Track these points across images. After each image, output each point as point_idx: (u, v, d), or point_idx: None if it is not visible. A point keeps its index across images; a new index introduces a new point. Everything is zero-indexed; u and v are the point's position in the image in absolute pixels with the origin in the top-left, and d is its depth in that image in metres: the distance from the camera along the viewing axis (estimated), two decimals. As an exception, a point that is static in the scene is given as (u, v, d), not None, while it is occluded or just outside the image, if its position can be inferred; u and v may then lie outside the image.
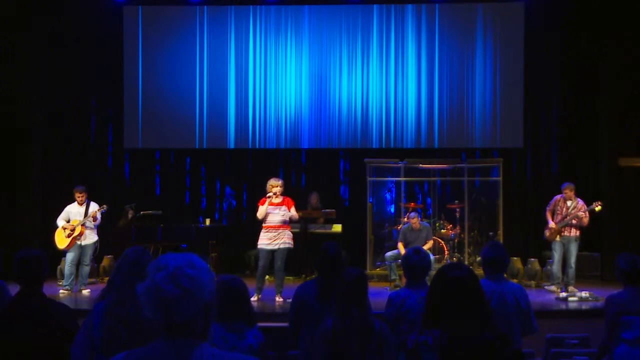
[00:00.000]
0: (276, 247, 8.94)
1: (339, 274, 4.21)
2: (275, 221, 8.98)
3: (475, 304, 2.71)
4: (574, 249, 9.84)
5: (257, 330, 3.83)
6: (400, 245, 10.46)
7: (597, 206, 9.86)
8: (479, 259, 11.37)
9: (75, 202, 9.86)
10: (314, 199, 12.12)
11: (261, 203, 9.09)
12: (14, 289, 4.08)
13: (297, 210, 11.53)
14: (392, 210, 12.56)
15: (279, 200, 9.02)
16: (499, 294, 4.59)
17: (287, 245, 9.00)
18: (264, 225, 9.06)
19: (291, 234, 9.13)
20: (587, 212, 9.81)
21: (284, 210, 9.02)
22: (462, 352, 2.63)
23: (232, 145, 12.96)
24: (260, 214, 9.04)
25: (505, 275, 8.68)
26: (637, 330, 4.60)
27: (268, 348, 3.91)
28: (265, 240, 8.99)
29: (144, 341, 3.35)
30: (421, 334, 2.71)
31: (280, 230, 8.97)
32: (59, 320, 3.81)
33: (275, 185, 9.03)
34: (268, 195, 9.02)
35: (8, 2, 11.89)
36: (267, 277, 9.76)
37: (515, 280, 10.06)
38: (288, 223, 9.12)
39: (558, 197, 10.07)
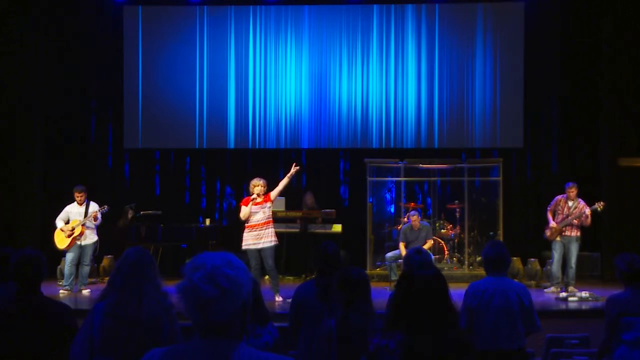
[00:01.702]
0: (261, 246, 8.93)
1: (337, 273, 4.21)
2: (258, 220, 8.97)
3: (440, 305, 2.69)
4: (574, 249, 9.84)
5: (271, 327, 3.84)
6: (401, 246, 10.45)
7: (599, 206, 9.87)
8: (479, 258, 11.37)
9: (75, 202, 9.86)
10: (309, 198, 12.11)
11: (244, 203, 9.09)
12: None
13: (295, 210, 11.61)
14: (392, 210, 12.56)
15: (261, 199, 9.01)
16: (502, 292, 4.60)
17: (272, 243, 8.99)
18: (247, 225, 9.06)
19: (274, 231, 9.10)
20: (590, 212, 9.81)
21: (267, 208, 9.02)
22: (425, 355, 2.62)
23: (232, 145, 12.96)
24: (243, 215, 9.04)
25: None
26: (637, 331, 4.60)
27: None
28: (250, 240, 8.99)
29: (143, 341, 3.37)
30: (383, 338, 2.68)
31: (265, 228, 8.96)
32: (58, 319, 3.81)
33: (256, 185, 9.02)
34: (252, 197, 9.01)
35: (8, 2, 11.89)
36: (266, 277, 9.75)
37: (515, 280, 10.05)
38: (271, 219, 9.11)
39: (559, 197, 10.07)
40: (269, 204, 9.05)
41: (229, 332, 2.00)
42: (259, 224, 8.97)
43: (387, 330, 2.71)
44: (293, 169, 9.20)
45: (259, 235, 8.95)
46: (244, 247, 9.05)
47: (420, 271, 2.78)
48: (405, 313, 2.68)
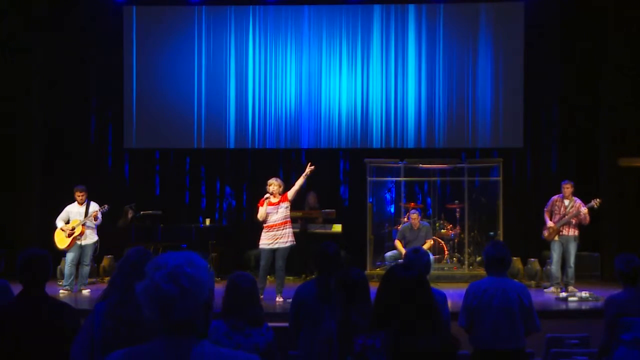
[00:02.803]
0: (277, 246, 8.91)
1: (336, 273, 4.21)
2: (276, 220, 8.94)
3: (423, 306, 2.70)
4: (572, 249, 9.86)
5: (265, 329, 3.82)
6: (397, 243, 10.45)
7: (596, 203, 9.88)
8: (479, 258, 11.38)
9: (75, 202, 9.87)
10: (311, 198, 12.11)
11: (260, 204, 9.08)
12: (17, 289, 4.07)
13: (295, 210, 11.60)
14: (392, 210, 12.56)
15: (277, 199, 8.99)
16: (502, 292, 4.61)
17: (288, 244, 8.96)
18: (265, 225, 9.01)
19: (292, 231, 9.08)
20: (587, 209, 9.83)
21: (284, 207, 8.98)
22: (409, 356, 2.62)
23: (232, 145, 12.96)
24: (260, 215, 9.00)
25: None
26: (636, 331, 4.61)
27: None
28: (266, 240, 8.95)
29: (144, 342, 3.37)
30: (368, 338, 2.69)
31: (282, 228, 8.94)
32: (62, 319, 3.81)
33: (270, 184, 9.01)
34: (266, 196, 9.01)
35: (8, 2, 11.90)
36: (268, 277, 9.75)
37: (515, 280, 10.04)
38: (289, 219, 9.07)
39: (555, 197, 10.09)
40: (285, 204, 8.99)
41: (191, 330, 2.00)
42: (276, 224, 8.94)
43: (372, 330, 2.72)
44: (308, 169, 9.18)
45: (275, 235, 8.92)
46: (260, 246, 9.05)
47: (401, 272, 2.79)
48: (388, 313, 2.69)
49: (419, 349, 2.64)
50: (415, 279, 2.76)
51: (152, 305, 1.98)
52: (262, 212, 8.98)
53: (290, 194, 9.06)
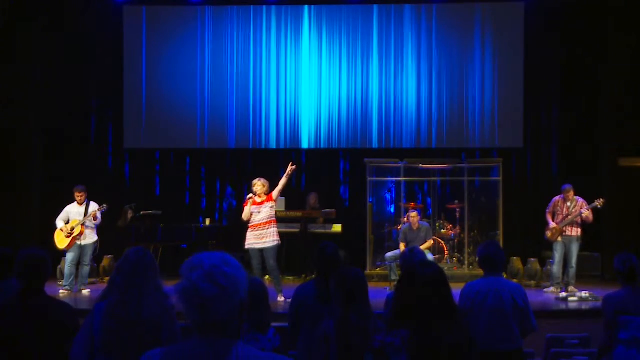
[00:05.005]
0: (264, 245, 8.96)
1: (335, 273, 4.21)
2: (260, 220, 8.99)
3: (443, 303, 2.71)
4: (575, 249, 9.86)
5: (272, 334, 3.83)
6: (402, 246, 10.46)
7: (599, 203, 9.87)
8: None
9: (75, 202, 9.87)
10: (312, 199, 12.12)
11: (245, 204, 9.15)
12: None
13: (296, 210, 11.62)
14: (392, 210, 12.56)
15: (261, 199, 9.03)
16: (495, 292, 4.58)
17: (274, 243, 9.01)
18: (249, 225, 9.08)
19: (277, 230, 9.11)
20: (590, 210, 9.83)
21: (268, 207, 9.02)
22: (430, 353, 2.63)
23: (232, 145, 12.97)
24: (245, 215, 9.09)
25: (505, 275, 8.66)
26: (633, 330, 4.60)
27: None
28: (253, 240, 9.02)
29: (144, 341, 3.37)
30: (388, 335, 2.70)
31: (266, 228, 8.98)
32: (60, 319, 3.81)
33: (254, 185, 9.08)
34: (249, 196, 9.07)
35: (8, 2, 11.90)
36: (266, 277, 9.75)
37: (515, 280, 10.04)
38: (274, 218, 9.11)
39: (557, 198, 10.09)
40: (270, 204, 9.05)
41: (227, 330, 2.01)
42: (260, 224, 8.99)
43: (392, 328, 2.72)
44: (289, 169, 9.23)
45: (260, 235, 8.97)
46: (246, 247, 9.08)
47: (422, 269, 2.79)
48: (410, 311, 2.70)
49: (441, 344, 2.64)
50: (436, 275, 2.76)
51: (191, 306, 1.98)
52: (246, 211, 9.07)
53: (275, 194, 9.14)
